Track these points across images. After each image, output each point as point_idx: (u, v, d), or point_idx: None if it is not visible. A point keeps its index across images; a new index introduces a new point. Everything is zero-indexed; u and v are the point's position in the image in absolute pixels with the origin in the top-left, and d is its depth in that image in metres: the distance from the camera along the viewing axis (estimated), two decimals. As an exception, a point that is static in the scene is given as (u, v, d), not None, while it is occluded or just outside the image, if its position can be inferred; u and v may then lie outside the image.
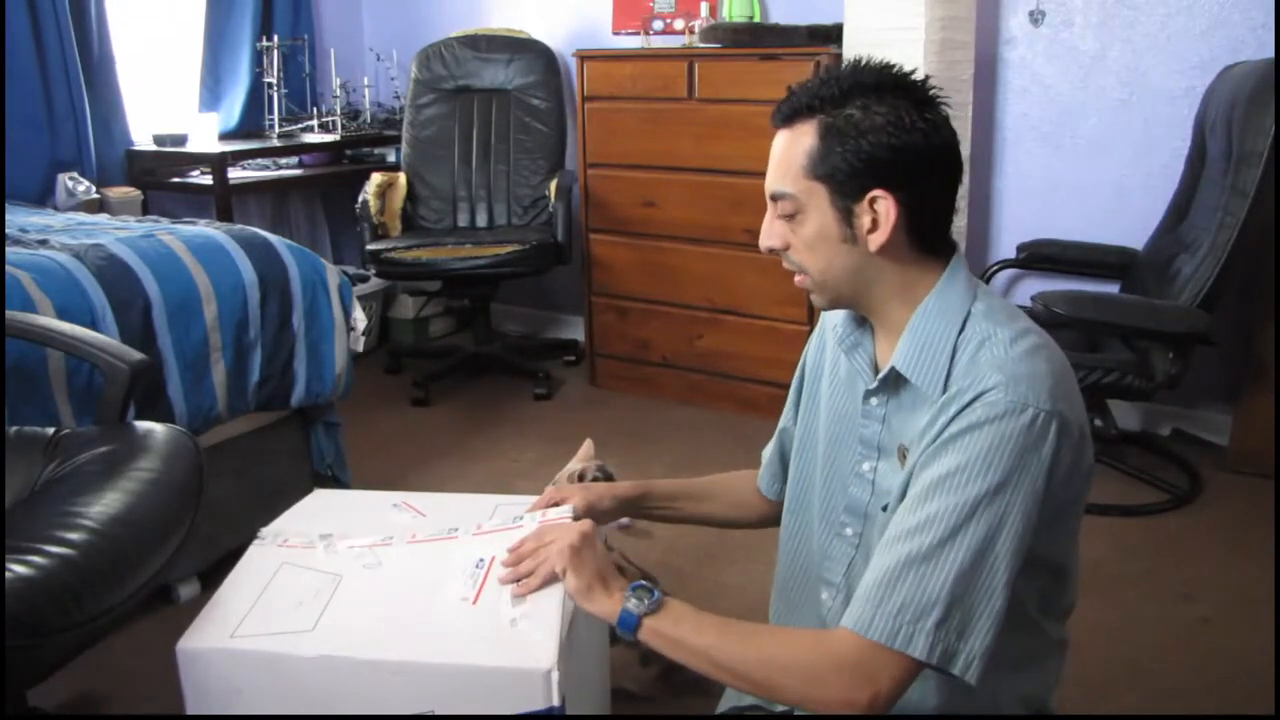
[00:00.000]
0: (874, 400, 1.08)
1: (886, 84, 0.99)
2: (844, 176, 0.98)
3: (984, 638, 0.90)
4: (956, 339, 0.99)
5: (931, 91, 1.01)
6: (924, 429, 0.98)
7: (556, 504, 1.29)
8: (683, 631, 0.99)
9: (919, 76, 1.02)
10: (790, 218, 1.03)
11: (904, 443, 1.04)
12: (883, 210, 0.98)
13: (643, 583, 1.02)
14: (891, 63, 1.02)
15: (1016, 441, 0.91)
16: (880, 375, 1.05)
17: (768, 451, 1.36)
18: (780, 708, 1.19)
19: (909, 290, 1.03)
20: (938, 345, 1.00)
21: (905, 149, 0.97)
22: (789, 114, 1.02)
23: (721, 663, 0.96)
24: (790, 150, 1.01)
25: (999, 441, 0.91)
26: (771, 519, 1.35)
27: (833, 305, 1.08)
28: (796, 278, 1.07)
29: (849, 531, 1.12)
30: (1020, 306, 1.46)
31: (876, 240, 0.99)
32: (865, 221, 0.99)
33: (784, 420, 1.33)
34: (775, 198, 1.03)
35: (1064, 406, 0.94)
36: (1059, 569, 1.06)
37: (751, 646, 0.97)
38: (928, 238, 1.02)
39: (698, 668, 0.98)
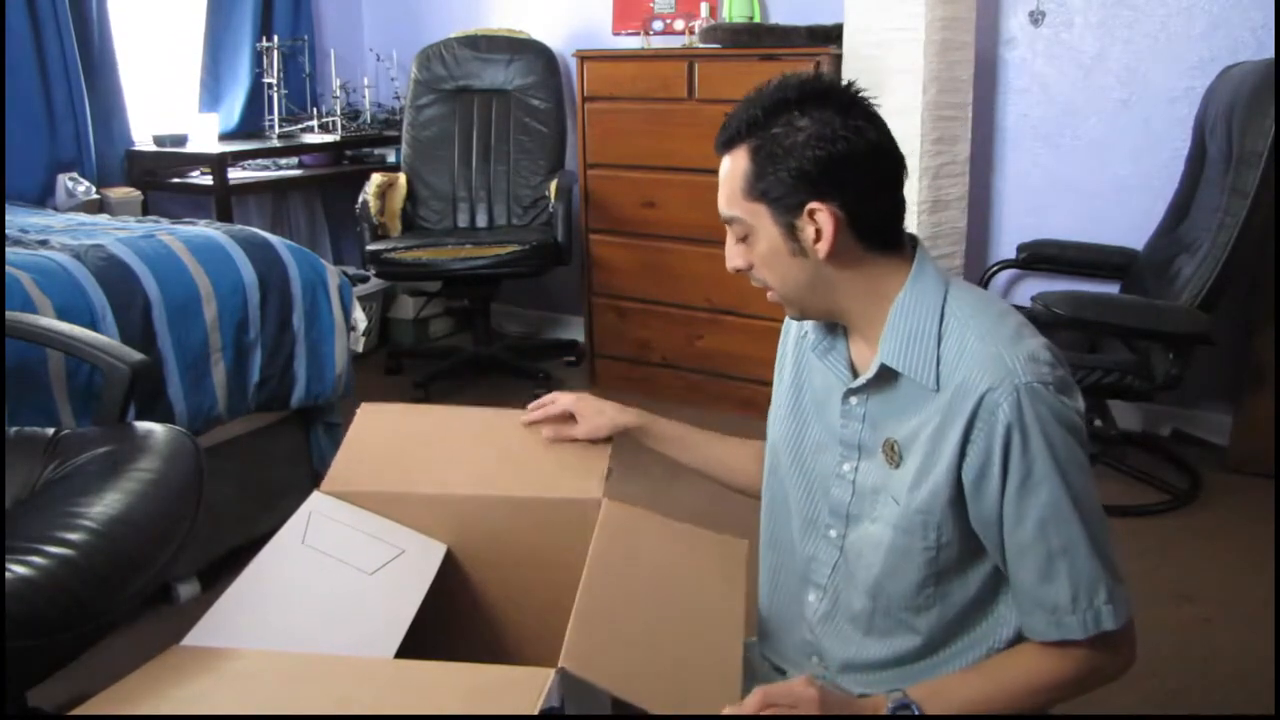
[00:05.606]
0: (854, 400, 1.09)
1: (809, 96, 1.01)
2: (779, 194, 1.01)
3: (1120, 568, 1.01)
4: (939, 327, 1.02)
5: (856, 94, 1.02)
6: (931, 429, 1.00)
7: (563, 415, 1.32)
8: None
9: (843, 82, 1.04)
10: (744, 239, 1.06)
11: (893, 438, 1.05)
12: (821, 221, 1.00)
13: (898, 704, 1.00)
14: (814, 74, 1.05)
15: (1046, 424, 0.95)
16: (867, 374, 1.06)
17: None
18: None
19: (875, 289, 1.05)
20: (922, 335, 1.02)
21: (833, 159, 0.99)
22: (726, 141, 1.06)
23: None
24: (730, 175, 1.04)
25: (1036, 434, 0.95)
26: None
27: (804, 316, 1.11)
28: (768, 293, 1.10)
29: (833, 534, 1.13)
30: (1020, 307, 1.46)
31: (822, 250, 1.01)
32: (809, 233, 1.01)
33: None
34: (727, 221, 1.07)
35: (1061, 369, 0.99)
36: None
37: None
38: (878, 237, 1.04)
39: None
